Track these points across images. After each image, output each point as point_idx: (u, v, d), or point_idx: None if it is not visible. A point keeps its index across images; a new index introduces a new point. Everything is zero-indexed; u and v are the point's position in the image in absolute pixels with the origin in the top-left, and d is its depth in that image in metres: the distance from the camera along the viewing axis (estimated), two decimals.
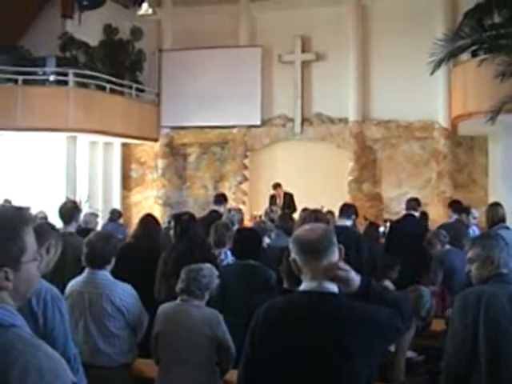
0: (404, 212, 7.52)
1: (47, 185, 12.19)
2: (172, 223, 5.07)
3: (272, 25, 13.83)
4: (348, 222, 6.02)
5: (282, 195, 11.53)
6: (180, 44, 14.45)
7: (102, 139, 13.50)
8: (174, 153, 14.67)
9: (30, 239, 1.54)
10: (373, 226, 7.63)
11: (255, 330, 2.30)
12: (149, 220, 5.49)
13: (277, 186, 11.66)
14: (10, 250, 1.49)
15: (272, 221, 6.52)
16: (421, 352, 4.28)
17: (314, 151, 13.53)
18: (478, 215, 7.91)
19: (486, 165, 12.48)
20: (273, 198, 11.53)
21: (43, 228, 3.20)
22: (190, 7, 14.29)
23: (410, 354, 4.22)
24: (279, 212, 7.83)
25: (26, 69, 11.86)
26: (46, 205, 8.95)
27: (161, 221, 6.57)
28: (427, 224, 8.06)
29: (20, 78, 11.71)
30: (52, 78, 12.18)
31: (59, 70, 12.10)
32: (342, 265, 2.23)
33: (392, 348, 3.75)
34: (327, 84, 13.46)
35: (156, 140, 14.48)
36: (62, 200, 6.30)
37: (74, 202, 5.87)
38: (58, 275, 3.92)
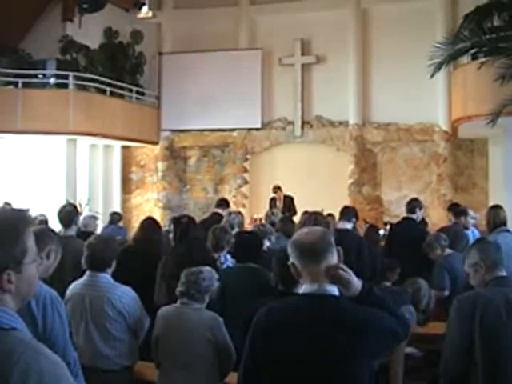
0: (404, 215, 7.51)
1: (47, 188, 12.17)
2: (171, 226, 5.07)
3: (272, 28, 13.85)
4: (348, 225, 6.01)
5: (282, 198, 11.46)
6: (180, 47, 14.46)
7: (102, 142, 13.50)
8: (174, 156, 14.67)
9: (30, 241, 1.54)
10: (373, 229, 7.61)
11: (255, 332, 2.29)
12: (149, 223, 5.48)
13: (277, 188, 11.60)
14: (12, 252, 1.48)
15: (273, 224, 6.50)
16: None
17: (314, 154, 13.53)
18: (478, 217, 7.88)
19: (487, 168, 12.49)
20: (273, 201, 11.48)
21: (44, 233, 3.18)
22: (190, 10, 14.33)
23: (409, 349, 4.20)
24: (280, 215, 7.81)
25: (27, 72, 11.88)
26: (46, 208, 8.94)
27: (161, 224, 6.55)
28: (426, 228, 8.03)
29: (20, 80, 11.73)
30: (52, 81, 12.19)
31: (59, 73, 12.11)
32: (343, 266, 2.23)
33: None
34: (327, 87, 13.47)
35: (156, 143, 14.48)
36: (63, 203, 6.29)
37: (73, 205, 5.87)
38: (58, 278, 3.91)
